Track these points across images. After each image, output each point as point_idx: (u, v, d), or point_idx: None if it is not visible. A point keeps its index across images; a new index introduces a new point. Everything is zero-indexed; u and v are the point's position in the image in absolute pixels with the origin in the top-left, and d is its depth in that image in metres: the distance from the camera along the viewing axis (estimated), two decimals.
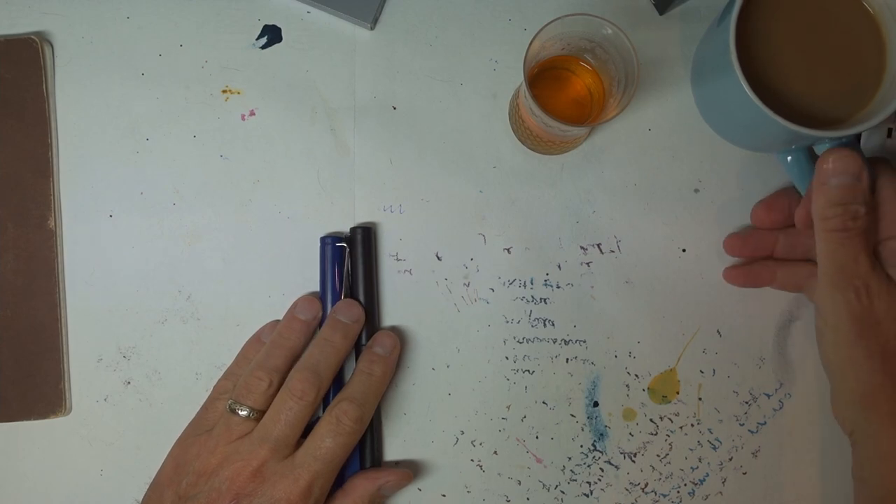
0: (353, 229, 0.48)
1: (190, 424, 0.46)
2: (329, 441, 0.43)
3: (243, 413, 0.43)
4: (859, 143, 0.42)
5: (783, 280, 0.47)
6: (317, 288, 0.48)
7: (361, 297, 0.47)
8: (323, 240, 0.47)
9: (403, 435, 0.48)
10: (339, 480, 0.45)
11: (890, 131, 0.49)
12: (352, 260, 0.47)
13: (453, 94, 0.49)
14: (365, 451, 0.47)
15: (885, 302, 0.40)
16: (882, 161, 0.42)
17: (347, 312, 0.46)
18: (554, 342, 0.49)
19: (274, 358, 0.44)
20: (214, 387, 0.46)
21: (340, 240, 0.47)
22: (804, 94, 0.43)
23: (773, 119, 0.40)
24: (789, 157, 0.45)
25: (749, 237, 0.47)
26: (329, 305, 0.47)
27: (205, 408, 0.46)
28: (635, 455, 0.49)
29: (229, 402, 0.44)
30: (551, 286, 0.49)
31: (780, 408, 0.49)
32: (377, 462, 0.47)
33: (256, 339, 0.47)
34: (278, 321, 0.48)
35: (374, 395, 0.45)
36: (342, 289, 0.47)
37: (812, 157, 0.45)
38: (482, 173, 0.49)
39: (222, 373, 0.47)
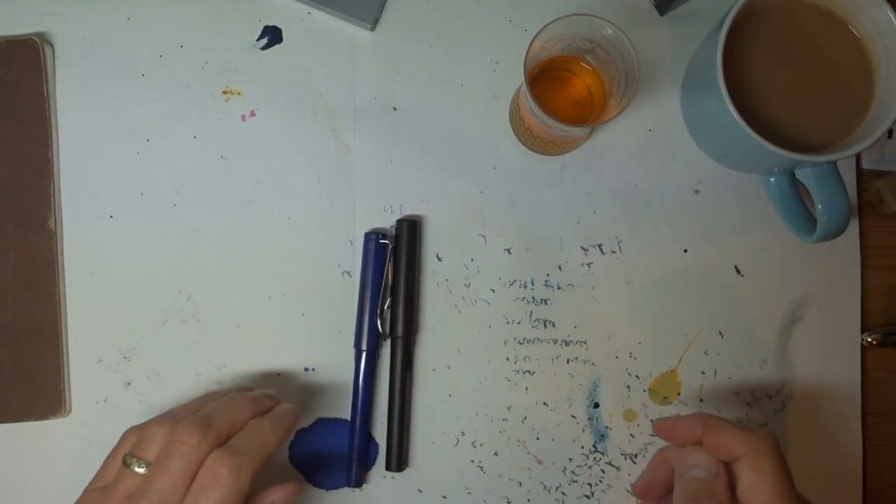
0: (399, 221, 0.48)
1: (93, 477, 0.41)
2: (202, 498, 0.38)
3: (140, 469, 0.39)
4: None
5: None
6: (314, 285, 0.48)
7: (402, 293, 0.47)
8: (367, 235, 0.47)
9: None
10: None
11: (890, 132, 0.49)
12: (395, 255, 0.47)
13: (454, 95, 0.49)
14: (391, 452, 0.47)
15: None
16: (755, 459, 0.38)
17: (263, 394, 0.43)
18: (554, 343, 0.48)
19: (185, 411, 0.41)
20: (122, 435, 0.42)
21: (384, 236, 0.47)
22: (788, 117, 0.43)
23: (754, 139, 0.40)
24: (772, 179, 0.45)
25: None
26: (368, 303, 0.47)
27: (106, 458, 0.42)
28: (636, 456, 0.48)
29: (125, 455, 0.39)
30: (552, 287, 0.49)
31: (782, 409, 0.49)
32: (404, 464, 0.48)
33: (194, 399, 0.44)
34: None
35: (258, 446, 0.40)
36: (383, 287, 0.47)
37: (794, 182, 0.45)
38: (483, 174, 0.49)
39: (222, 373, 0.47)
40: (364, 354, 0.47)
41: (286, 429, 0.42)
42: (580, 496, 0.48)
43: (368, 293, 0.47)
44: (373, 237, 0.47)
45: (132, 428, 0.42)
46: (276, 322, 0.48)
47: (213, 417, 0.40)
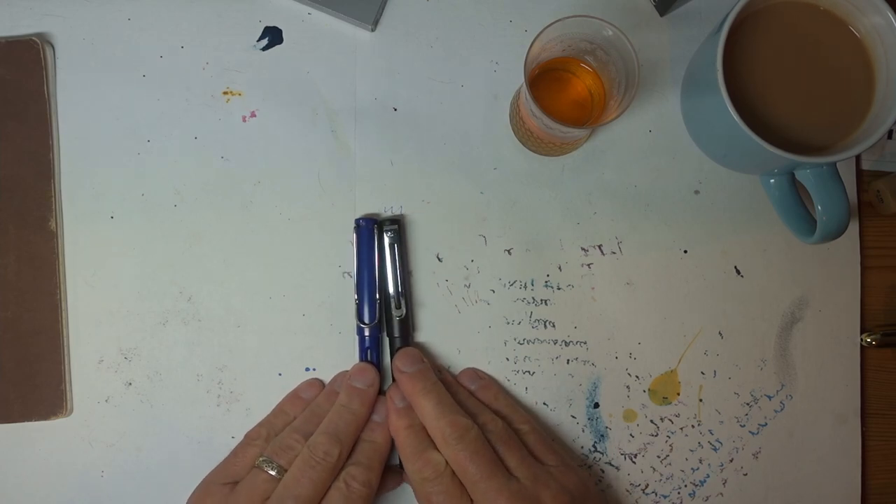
0: (381, 220, 0.48)
1: (216, 469, 0.45)
2: None
3: (272, 472, 0.43)
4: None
5: None
6: (314, 285, 0.48)
7: (390, 284, 0.47)
8: (357, 221, 0.48)
9: None
10: None
11: (891, 133, 0.49)
12: (392, 252, 0.47)
13: (454, 96, 0.49)
14: None
15: None
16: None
17: (362, 378, 0.46)
18: (554, 343, 0.49)
19: (313, 425, 0.45)
20: (246, 434, 0.46)
21: (374, 221, 0.48)
22: (788, 118, 0.43)
23: (754, 140, 0.40)
24: (771, 180, 0.45)
25: None
26: (366, 286, 0.47)
27: (234, 453, 0.46)
28: (636, 456, 0.49)
29: (261, 458, 0.43)
30: (552, 287, 0.49)
31: (782, 409, 0.49)
32: None
33: (295, 395, 0.47)
34: (318, 381, 0.48)
35: (378, 460, 0.45)
36: (380, 265, 0.47)
37: (794, 183, 0.45)
38: (483, 175, 0.49)
39: (223, 373, 0.47)
40: (367, 329, 0.47)
41: (390, 438, 0.46)
42: None
43: (365, 271, 0.47)
44: (361, 221, 0.48)
45: (256, 426, 0.46)
46: (277, 322, 0.48)
47: (340, 432, 0.44)
